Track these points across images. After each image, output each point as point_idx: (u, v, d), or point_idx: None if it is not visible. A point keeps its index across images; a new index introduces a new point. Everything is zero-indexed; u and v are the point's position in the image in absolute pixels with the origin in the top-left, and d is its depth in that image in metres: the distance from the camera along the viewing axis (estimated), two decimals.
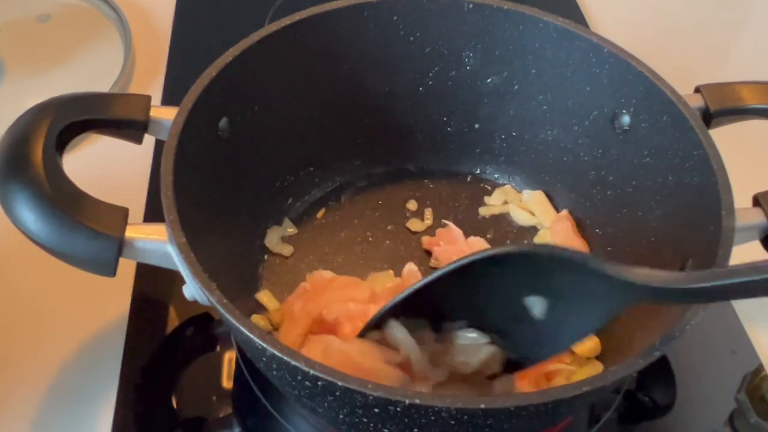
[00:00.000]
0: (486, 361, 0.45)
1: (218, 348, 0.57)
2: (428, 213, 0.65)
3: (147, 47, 0.80)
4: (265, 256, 0.60)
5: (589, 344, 0.55)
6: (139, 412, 0.53)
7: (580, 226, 0.62)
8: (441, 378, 0.46)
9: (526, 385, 0.52)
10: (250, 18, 0.82)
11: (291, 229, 0.63)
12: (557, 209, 0.64)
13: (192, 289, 0.49)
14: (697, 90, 0.57)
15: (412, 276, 0.58)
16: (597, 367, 0.54)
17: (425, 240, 0.63)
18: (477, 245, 0.61)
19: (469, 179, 0.67)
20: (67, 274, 0.49)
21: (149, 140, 0.54)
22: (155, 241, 0.46)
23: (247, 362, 0.55)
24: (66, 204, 0.45)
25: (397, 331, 0.46)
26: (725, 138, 0.54)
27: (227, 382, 0.55)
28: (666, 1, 0.93)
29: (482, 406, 0.38)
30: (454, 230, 0.62)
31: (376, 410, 0.40)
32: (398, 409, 0.39)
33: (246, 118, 0.57)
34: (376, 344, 0.47)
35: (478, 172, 0.67)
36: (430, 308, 0.45)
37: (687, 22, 0.90)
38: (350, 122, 0.64)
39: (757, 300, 0.62)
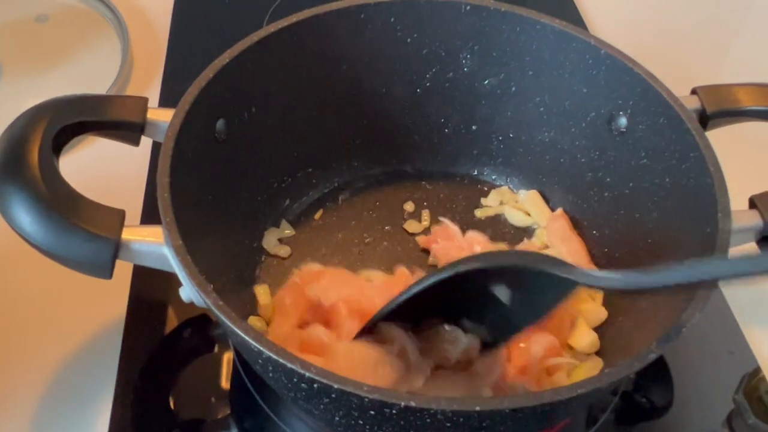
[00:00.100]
0: (466, 350, 0.49)
1: (215, 350, 0.57)
2: (425, 214, 0.65)
3: (145, 48, 0.80)
4: (263, 258, 0.60)
5: (588, 340, 0.56)
6: (137, 413, 0.53)
7: (577, 228, 0.63)
8: (429, 367, 0.48)
9: (527, 381, 0.52)
10: (248, 19, 0.82)
11: (288, 231, 0.63)
12: (554, 210, 0.64)
13: (188, 291, 0.49)
14: (694, 92, 0.57)
15: (403, 275, 0.58)
16: (597, 363, 0.55)
17: (422, 239, 0.63)
18: (476, 240, 0.61)
19: (466, 181, 0.67)
20: (64, 276, 0.49)
21: (147, 142, 0.54)
22: (152, 244, 0.46)
23: (244, 364, 0.55)
24: (62, 206, 0.45)
25: (390, 328, 0.48)
26: (722, 140, 0.55)
27: (224, 384, 0.55)
28: (663, 3, 0.93)
29: (478, 408, 0.38)
30: (450, 227, 0.62)
31: (372, 412, 0.40)
32: (394, 411, 0.39)
33: (243, 120, 0.57)
34: (372, 342, 0.48)
35: (476, 173, 0.68)
36: (411, 310, 0.48)
37: (684, 25, 0.90)
38: (348, 124, 0.64)
39: (753, 301, 0.63)
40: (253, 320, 0.56)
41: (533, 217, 0.64)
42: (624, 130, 0.58)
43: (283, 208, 0.63)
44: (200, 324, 0.59)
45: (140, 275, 0.60)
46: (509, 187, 0.67)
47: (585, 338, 0.55)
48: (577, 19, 0.87)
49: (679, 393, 0.57)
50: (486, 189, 0.67)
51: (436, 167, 0.67)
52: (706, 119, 0.56)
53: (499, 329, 0.48)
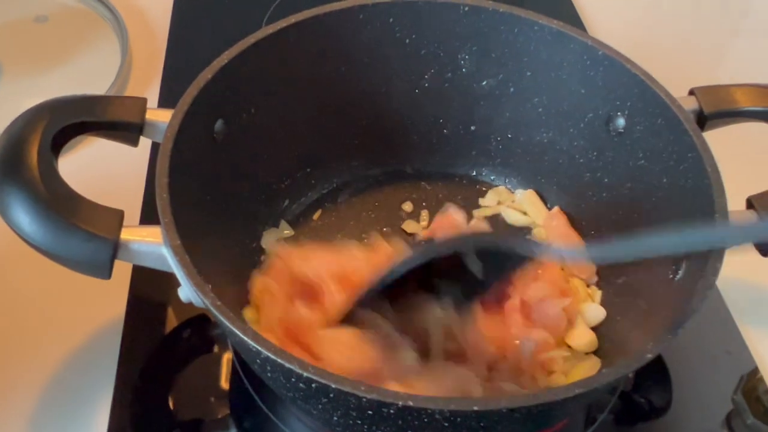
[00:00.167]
0: (443, 319, 0.51)
1: (214, 350, 0.58)
2: (424, 214, 0.65)
3: (144, 49, 0.80)
4: (262, 258, 0.60)
5: (587, 339, 0.56)
6: (136, 413, 0.54)
7: (575, 228, 0.63)
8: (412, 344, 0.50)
9: (521, 378, 0.52)
10: (247, 20, 0.82)
11: (287, 231, 0.63)
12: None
13: (187, 291, 0.49)
14: (692, 92, 0.57)
15: (382, 246, 0.57)
16: (594, 363, 0.55)
17: (423, 233, 0.63)
18: (480, 229, 0.62)
19: (465, 181, 0.68)
20: (63, 276, 0.49)
21: (146, 142, 0.54)
22: (150, 244, 0.46)
23: (242, 364, 0.55)
24: (61, 206, 0.45)
25: (365, 313, 0.50)
26: (719, 140, 0.55)
27: (223, 384, 0.56)
28: (661, 4, 0.93)
29: (475, 408, 0.38)
30: (455, 215, 0.62)
31: (370, 412, 0.40)
32: (391, 411, 0.39)
33: (242, 121, 0.57)
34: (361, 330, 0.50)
35: (474, 174, 0.68)
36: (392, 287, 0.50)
37: (682, 26, 0.90)
38: (347, 124, 0.64)
39: (751, 301, 0.63)
40: (247, 311, 0.56)
41: (530, 216, 0.64)
42: (622, 130, 0.58)
43: (282, 209, 0.63)
44: (199, 324, 0.59)
45: (139, 276, 0.60)
46: (507, 187, 0.67)
47: (583, 337, 0.56)
48: (575, 20, 0.87)
49: (678, 393, 0.57)
50: (484, 189, 0.67)
51: (435, 168, 0.67)
52: (703, 120, 0.56)
53: (470, 288, 0.51)
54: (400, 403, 0.38)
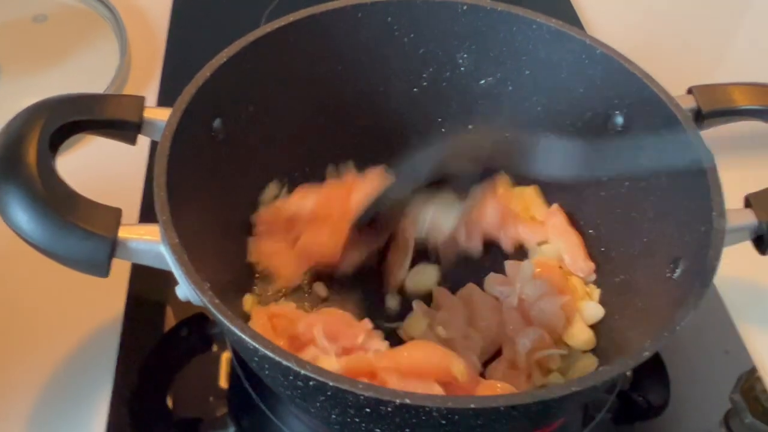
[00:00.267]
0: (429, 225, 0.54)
1: (213, 349, 0.58)
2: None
3: (143, 48, 0.80)
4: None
5: (585, 337, 0.56)
6: (134, 412, 0.54)
7: (574, 225, 0.63)
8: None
9: (516, 376, 0.52)
10: (246, 19, 0.83)
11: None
12: None
13: (185, 290, 0.49)
14: (690, 91, 0.57)
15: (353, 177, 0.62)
16: (592, 361, 0.55)
17: None
18: None
19: None
20: (61, 275, 0.49)
21: (146, 141, 0.54)
22: (148, 242, 0.46)
23: (241, 362, 0.56)
24: (59, 204, 0.45)
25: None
26: (717, 139, 0.55)
27: (222, 383, 0.56)
28: (659, 3, 0.93)
29: (472, 405, 0.38)
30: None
31: (367, 410, 0.40)
32: (389, 408, 0.39)
33: (240, 119, 0.57)
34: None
35: None
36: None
37: (680, 24, 0.90)
38: (345, 123, 0.64)
39: (749, 300, 0.63)
40: (247, 299, 0.56)
41: (531, 211, 0.64)
42: (620, 129, 0.58)
43: None
44: (198, 323, 0.59)
45: (138, 274, 0.60)
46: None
47: (581, 335, 0.56)
48: (573, 19, 0.87)
49: (676, 392, 0.57)
50: None
51: None
52: (701, 118, 0.56)
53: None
54: (398, 401, 0.38)
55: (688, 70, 0.70)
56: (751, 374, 0.58)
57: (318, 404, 0.43)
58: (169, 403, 0.55)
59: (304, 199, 0.59)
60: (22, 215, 0.45)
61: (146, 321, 0.59)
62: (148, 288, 0.60)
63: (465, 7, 0.60)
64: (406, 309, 0.58)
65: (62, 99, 0.50)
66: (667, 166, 0.54)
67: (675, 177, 0.53)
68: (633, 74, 0.56)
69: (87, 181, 0.50)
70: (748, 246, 0.53)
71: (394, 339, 0.56)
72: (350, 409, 0.41)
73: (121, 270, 0.58)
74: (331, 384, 0.39)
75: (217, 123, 0.55)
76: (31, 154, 0.46)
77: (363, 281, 0.60)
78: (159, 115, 0.51)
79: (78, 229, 0.45)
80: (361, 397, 0.39)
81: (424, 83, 0.64)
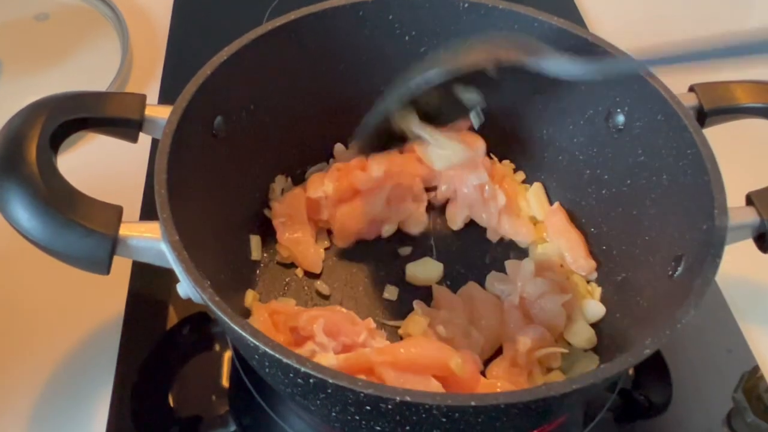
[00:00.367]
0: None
1: (214, 347, 0.58)
2: None
3: (144, 46, 0.80)
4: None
5: (586, 335, 0.56)
6: (135, 410, 0.54)
7: (575, 224, 0.63)
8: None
9: (517, 374, 0.52)
10: (248, 17, 0.82)
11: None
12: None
13: (185, 288, 0.49)
14: (692, 89, 0.57)
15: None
16: (593, 360, 0.55)
17: None
18: None
19: None
20: (62, 273, 0.50)
21: (147, 139, 0.54)
22: (149, 239, 0.46)
23: (242, 361, 0.56)
24: (60, 202, 0.45)
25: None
26: (719, 137, 0.54)
27: (223, 381, 0.56)
28: (662, 1, 0.93)
29: (473, 403, 0.38)
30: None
31: (368, 407, 0.40)
32: (389, 406, 0.39)
33: (241, 117, 0.57)
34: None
35: None
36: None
37: (682, 22, 0.90)
38: (345, 121, 0.64)
39: (752, 300, 0.63)
40: (249, 294, 0.57)
41: (533, 210, 0.64)
42: (621, 127, 0.58)
43: None
44: (199, 322, 0.59)
45: (139, 272, 0.60)
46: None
47: (582, 334, 0.56)
48: (576, 17, 0.87)
49: (678, 391, 0.57)
50: None
51: None
52: (703, 116, 0.56)
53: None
54: (398, 398, 0.38)
55: (690, 68, 0.70)
56: (754, 373, 0.58)
57: (318, 402, 0.43)
58: (170, 401, 0.55)
59: (323, 185, 0.60)
60: (22, 213, 0.45)
61: (147, 319, 0.59)
62: (149, 286, 0.60)
63: (466, 5, 0.60)
64: (404, 303, 0.58)
65: (63, 97, 0.50)
66: (668, 164, 0.54)
67: (676, 175, 0.53)
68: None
69: (88, 179, 0.50)
70: (750, 245, 0.52)
71: (395, 339, 0.56)
72: (350, 407, 0.41)
73: (122, 268, 0.58)
74: (330, 381, 0.39)
75: (217, 121, 0.55)
76: (32, 151, 0.46)
77: (363, 280, 0.60)
78: (160, 113, 0.51)
79: (79, 226, 0.45)
80: (361, 395, 0.39)
81: None
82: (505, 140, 0.66)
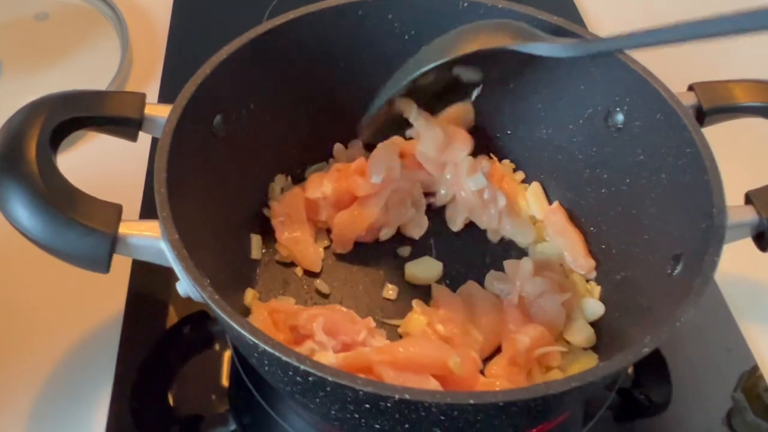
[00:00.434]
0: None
1: (214, 346, 0.58)
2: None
3: (144, 45, 0.80)
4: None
5: (585, 334, 0.56)
6: (135, 409, 0.54)
7: (574, 224, 0.63)
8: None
9: (521, 379, 0.52)
10: (248, 17, 0.82)
11: None
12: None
13: (185, 286, 0.49)
14: (691, 88, 0.57)
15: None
16: (592, 358, 0.55)
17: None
18: None
19: None
20: (62, 271, 0.50)
21: (146, 138, 0.54)
22: (149, 238, 0.46)
23: (242, 359, 0.56)
24: (59, 201, 0.45)
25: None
26: (718, 136, 0.55)
27: (223, 380, 0.56)
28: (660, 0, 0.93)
29: (471, 401, 0.38)
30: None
31: (367, 405, 0.40)
32: (388, 404, 0.39)
33: (241, 116, 0.57)
34: None
35: None
36: None
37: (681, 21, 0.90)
38: (345, 120, 0.64)
39: (751, 299, 0.63)
40: (249, 293, 0.57)
41: (532, 209, 0.64)
42: (621, 126, 0.58)
43: None
44: (199, 320, 0.59)
45: (139, 271, 0.60)
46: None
47: (582, 332, 0.56)
48: (575, 16, 0.87)
49: (678, 391, 0.57)
50: None
51: None
52: (702, 115, 0.56)
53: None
54: (397, 396, 0.38)
55: (689, 67, 0.70)
56: (753, 372, 0.58)
57: (318, 400, 0.43)
58: (170, 400, 0.55)
59: (322, 186, 0.60)
60: (22, 211, 0.45)
61: (147, 318, 0.59)
62: (148, 285, 0.60)
63: (466, 5, 0.60)
64: (403, 302, 0.59)
65: (63, 96, 0.50)
66: (667, 164, 0.54)
67: (676, 174, 0.53)
68: (634, 71, 0.56)
69: (88, 178, 0.50)
70: (750, 245, 0.52)
71: (395, 338, 0.56)
72: (350, 405, 0.41)
73: (121, 267, 0.58)
74: (330, 379, 0.39)
75: (217, 120, 0.55)
76: (32, 150, 0.46)
77: (363, 279, 0.60)
78: (160, 112, 0.51)
79: (78, 225, 0.45)
80: (360, 393, 0.39)
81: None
82: (504, 140, 0.66)
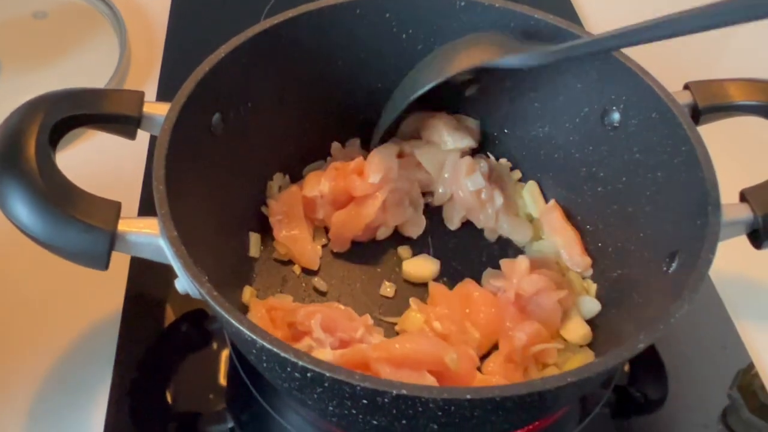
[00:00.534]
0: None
1: (212, 343, 0.58)
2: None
3: (142, 44, 0.80)
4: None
5: (582, 331, 0.56)
6: (133, 407, 0.54)
7: (571, 221, 0.63)
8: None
9: (518, 376, 0.52)
10: (246, 15, 0.83)
11: None
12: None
13: (184, 283, 0.49)
14: (686, 87, 0.58)
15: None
16: (588, 356, 0.55)
17: None
18: None
19: None
20: (61, 268, 0.50)
21: (145, 136, 0.54)
22: (147, 235, 0.47)
23: (240, 357, 0.56)
24: (58, 198, 0.45)
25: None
26: (713, 134, 0.55)
27: (221, 378, 0.56)
28: None
29: (468, 396, 0.38)
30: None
31: (364, 401, 0.41)
32: (386, 400, 0.39)
33: (239, 114, 0.57)
34: None
35: None
36: None
37: None
38: (343, 119, 0.64)
39: (746, 296, 0.63)
40: (247, 291, 0.57)
41: (528, 207, 0.64)
42: (617, 125, 0.58)
43: None
44: (197, 318, 0.59)
45: (137, 269, 0.60)
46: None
47: (578, 330, 0.56)
48: (571, 15, 0.88)
49: (674, 388, 0.57)
50: None
51: None
52: (698, 114, 0.56)
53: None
54: (394, 391, 0.38)
55: (685, 66, 0.71)
56: (749, 370, 0.58)
57: (315, 396, 0.43)
58: (168, 397, 0.55)
59: (319, 184, 0.61)
60: (21, 208, 0.45)
61: (145, 315, 0.59)
62: (147, 282, 0.60)
63: (463, 3, 0.60)
64: (401, 299, 0.59)
65: (62, 93, 0.51)
66: (663, 162, 0.54)
67: (671, 172, 0.53)
68: (630, 70, 0.56)
69: (87, 175, 0.50)
70: (745, 242, 0.53)
71: (393, 335, 0.56)
72: (347, 401, 0.41)
73: (120, 264, 0.58)
74: (327, 375, 0.39)
75: (215, 118, 0.55)
76: (31, 147, 0.46)
77: (360, 277, 0.61)
78: (158, 110, 0.51)
79: (77, 222, 0.45)
80: (358, 388, 0.39)
81: None
82: (501, 139, 0.66)
